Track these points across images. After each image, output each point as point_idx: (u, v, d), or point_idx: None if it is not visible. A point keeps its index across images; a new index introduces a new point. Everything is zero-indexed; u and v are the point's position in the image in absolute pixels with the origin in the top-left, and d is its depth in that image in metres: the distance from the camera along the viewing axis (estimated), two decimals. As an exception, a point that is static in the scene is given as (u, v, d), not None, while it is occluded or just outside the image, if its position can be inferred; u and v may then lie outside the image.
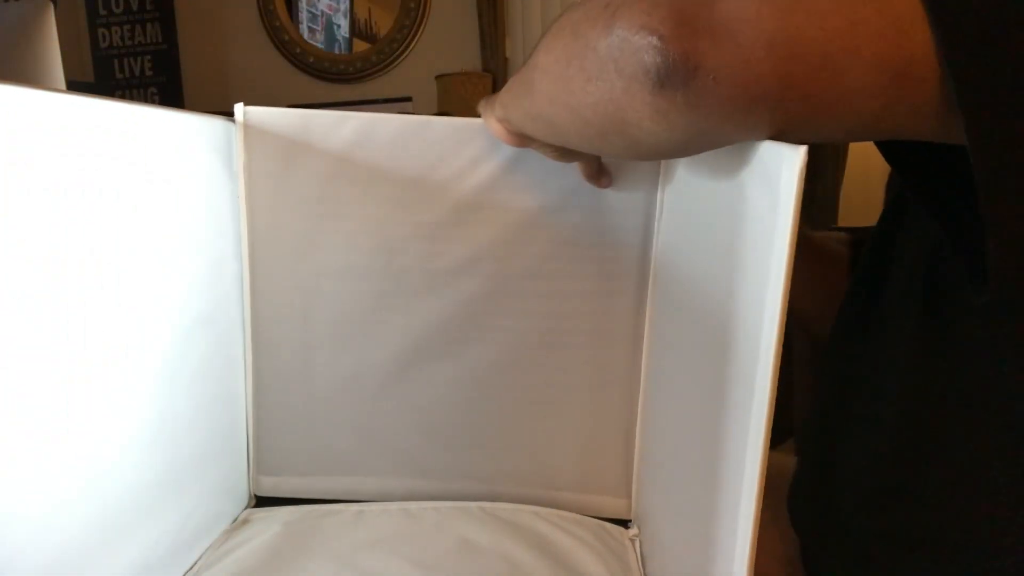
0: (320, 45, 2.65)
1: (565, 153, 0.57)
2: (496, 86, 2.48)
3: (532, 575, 0.60)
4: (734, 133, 0.34)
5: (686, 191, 0.57)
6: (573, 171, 0.64)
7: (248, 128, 0.64)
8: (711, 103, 0.31)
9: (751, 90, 0.30)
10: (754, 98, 0.31)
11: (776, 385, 0.33)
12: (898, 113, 0.30)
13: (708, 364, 0.45)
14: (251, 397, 0.71)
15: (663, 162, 0.64)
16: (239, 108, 0.64)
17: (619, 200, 0.66)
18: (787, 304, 0.32)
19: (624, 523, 0.71)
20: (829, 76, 0.30)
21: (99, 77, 2.64)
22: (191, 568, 0.61)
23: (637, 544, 0.66)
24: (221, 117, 0.63)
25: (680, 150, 0.37)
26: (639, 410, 0.71)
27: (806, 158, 0.30)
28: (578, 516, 0.71)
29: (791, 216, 0.31)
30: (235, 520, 0.69)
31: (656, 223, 0.66)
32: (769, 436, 0.34)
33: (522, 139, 0.55)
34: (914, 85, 0.29)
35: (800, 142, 0.31)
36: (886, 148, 0.37)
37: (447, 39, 2.57)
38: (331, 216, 0.67)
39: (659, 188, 0.65)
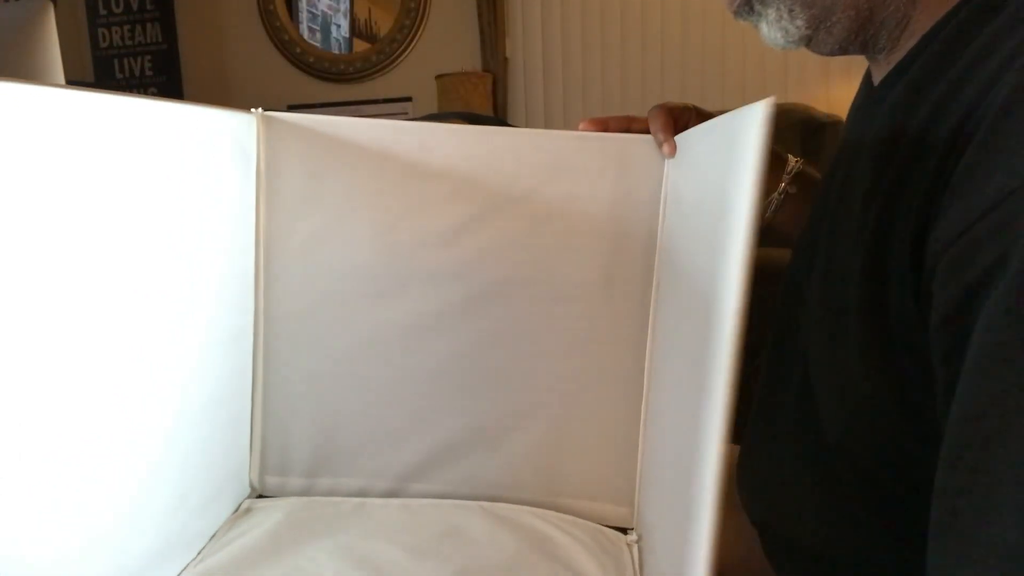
0: (320, 45, 2.66)
1: None
2: (496, 86, 2.49)
3: (524, 566, 0.61)
4: None
5: (685, 189, 0.57)
6: (576, 171, 0.65)
7: (270, 129, 0.66)
8: None
9: None
10: None
11: (736, 372, 0.32)
12: None
13: (694, 361, 0.45)
14: (260, 393, 0.71)
15: (666, 160, 0.65)
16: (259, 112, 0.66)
17: (623, 199, 0.66)
18: (750, 283, 0.31)
19: (625, 531, 0.70)
20: None
21: (99, 77, 2.64)
22: (196, 556, 0.61)
23: (635, 549, 0.66)
24: (238, 111, 0.64)
25: None
26: (642, 415, 0.70)
27: (769, 110, 0.30)
28: (576, 519, 0.70)
29: (756, 168, 0.30)
30: (237, 510, 0.69)
31: (660, 223, 0.66)
32: (728, 433, 0.33)
33: None
34: None
35: None
36: None
37: (447, 39, 2.58)
38: (341, 219, 0.68)
39: (663, 187, 0.65)
